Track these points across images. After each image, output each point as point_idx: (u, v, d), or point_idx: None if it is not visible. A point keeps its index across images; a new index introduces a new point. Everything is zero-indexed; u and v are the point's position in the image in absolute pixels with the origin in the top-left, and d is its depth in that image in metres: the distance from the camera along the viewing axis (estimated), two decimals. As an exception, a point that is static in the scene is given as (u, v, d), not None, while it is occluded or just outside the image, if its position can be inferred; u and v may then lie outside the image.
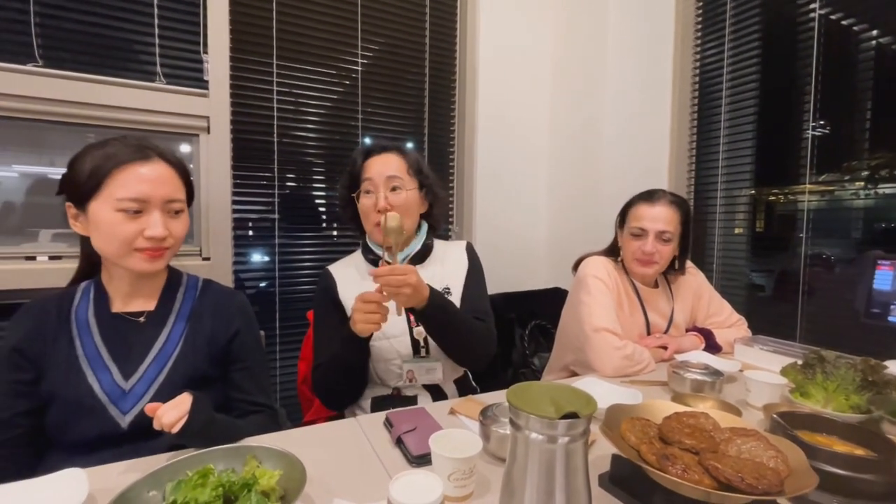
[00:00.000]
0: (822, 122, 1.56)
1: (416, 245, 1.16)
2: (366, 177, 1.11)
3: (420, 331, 1.10)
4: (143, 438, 0.78)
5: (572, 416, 0.41)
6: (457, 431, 0.70)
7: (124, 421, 0.79)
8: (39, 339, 0.82)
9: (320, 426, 0.88)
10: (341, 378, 1.06)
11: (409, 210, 1.12)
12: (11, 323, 0.83)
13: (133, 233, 0.80)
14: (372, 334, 0.98)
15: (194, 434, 0.71)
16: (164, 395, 0.80)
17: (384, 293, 0.93)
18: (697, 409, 0.74)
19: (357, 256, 1.21)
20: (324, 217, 1.96)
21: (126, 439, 0.79)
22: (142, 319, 0.87)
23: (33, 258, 1.42)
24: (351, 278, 1.15)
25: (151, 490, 0.57)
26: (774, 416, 0.72)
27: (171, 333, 0.87)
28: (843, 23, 1.55)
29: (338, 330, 1.04)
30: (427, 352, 1.10)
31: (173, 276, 0.94)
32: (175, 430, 0.68)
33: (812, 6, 1.55)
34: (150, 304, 0.89)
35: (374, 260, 1.15)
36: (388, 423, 0.83)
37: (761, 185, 1.77)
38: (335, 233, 1.97)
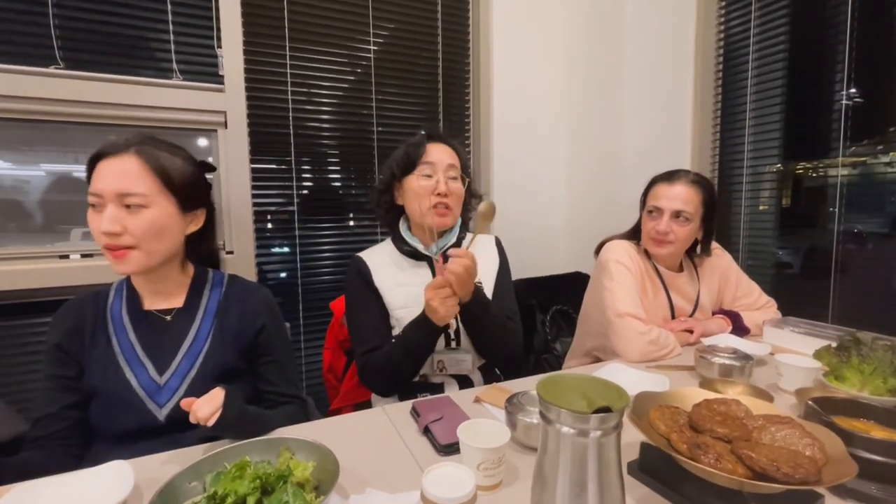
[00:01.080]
0: (854, 91, 1.48)
1: (451, 237, 1.17)
2: (427, 160, 1.11)
3: (452, 322, 1.09)
4: (179, 430, 0.81)
5: (605, 410, 0.41)
6: (484, 421, 0.70)
7: (161, 414, 0.83)
8: (78, 337, 0.86)
9: (348, 416, 0.90)
10: (410, 367, 1.06)
11: (460, 201, 1.16)
12: (53, 322, 0.88)
13: (96, 229, 0.80)
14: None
15: (228, 426, 0.73)
16: (197, 388, 0.84)
17: (449, 278, 0.96)
18: (727, 396, 0.73)
19: (388, 246, 1.20)
20: (343, 206, 1.97)
21: (164, 431, 0.83)
22: (169, 318, 0.89)
23: (66, 256, 1.47)
24: (385, 266, 1.15)
25: (193, 481, 0.59)
26: (809, 401, 0.71)
27: (199, 330, 0.90)
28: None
29: (379, 314, 1.10)
30: (458, 343, 1.12)
31: (200, 274, 0.96)
32: (210, 423, 0.71)
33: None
34: (178, 302, 0.91)
35: (410, 251, 1.15)
36: (415, 413, 0.84)
37: (790, 159, 1.70)
38: (351, 222, 1.98)
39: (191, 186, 0.88)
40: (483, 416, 0.81)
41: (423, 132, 1.19)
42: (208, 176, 0.96)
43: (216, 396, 0.73)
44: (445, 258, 1.11)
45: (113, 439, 0.83)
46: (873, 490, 0.60)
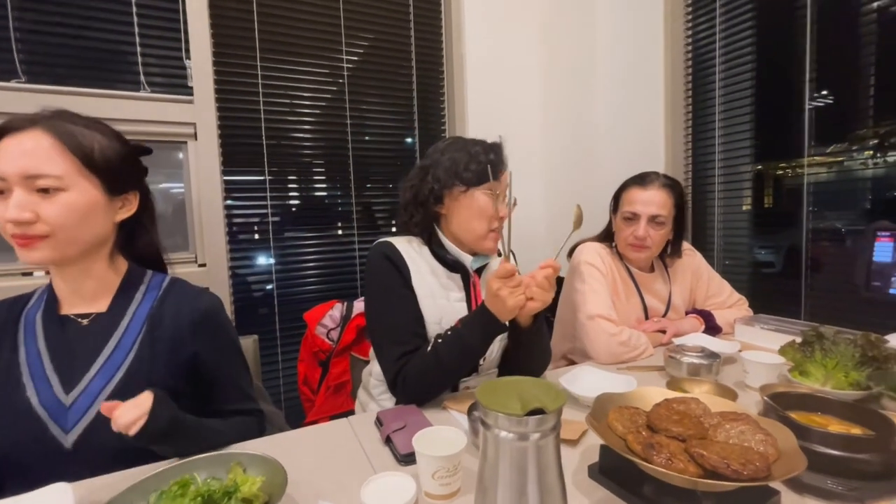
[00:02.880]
0: (823, 93, 1.52)
1: (490, 255, 1.07)
2: (494, 180, 0.98)
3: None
4: (96, 458, 0.70)
5: (538, 412, 0.40)
6: (443, 428, 0.69)
7: (67, 441, 0.69)
8: None
9: (312, 428, 0.88)
10: (458, 372, 0.96)
11: None
12: None
13: (2, 218, 0.68)
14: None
15: (156, 436, 0.65)
16: None
17: (529, 286, 0.86)
18: (690, 395, 0.73)
19: (420, 247, 1.05)
20: (319, 217, 1.96)
21: (75, 461, 0.70)
22: (84, 322, 0.76)
23: (30, 273, 1.43)
24: (422, 271, 1.02)
25: (136, 502, 0.57)
26: (765, 398, 0.71)
27: (122, 339, 0.76)
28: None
29: (417, 314, 0.97)
30: (482, 365, 1.05)
31: (132, 275, 0.82)
32: (132, 431, 0.63)
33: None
34: (101, 306, 0.78)
35: (451, 262, 1.04)
36: (379, 422, 0.83)
37: (760, 160, 1.73)
38: (328, 233, 1.96)
39: (118, 166, 0.75)
40: (449, 424, 0.80)
41: (494, 142, 1.07)
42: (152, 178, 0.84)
43: (143, 401, 0.65)
44: (478, 275, 1.07)
45: (15, 471, 0.70)
46: (829, 484, 0.60)
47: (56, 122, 0.71)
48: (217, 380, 0.83)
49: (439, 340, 0.92)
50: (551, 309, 1.59)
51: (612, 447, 0.59)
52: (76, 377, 0.73)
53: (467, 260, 1.03)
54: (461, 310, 1.02)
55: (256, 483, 0.57)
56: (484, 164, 0.98)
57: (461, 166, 0.99)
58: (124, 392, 0.71)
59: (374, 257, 1.01)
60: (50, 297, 0.77)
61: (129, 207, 0.79)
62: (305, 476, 0.69)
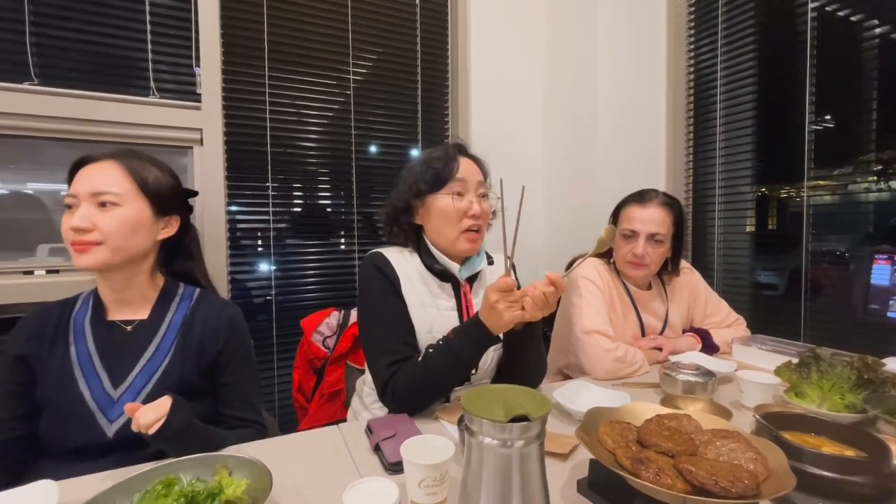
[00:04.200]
0: (825, 118, 1.53)
1: (479, 262, 1.08)
2: (459, 177, 1.00)
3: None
4: (128, 449, 0.78)
5: (522, 419, 0.40)
6: (432, 438, 0.68)
7: (110, 430, 0.79)
8: (38, 344, 0.83)
9: (302, 434, 0.87)
10: (448, 383, 0.95)
11: (488, 221, 1.06)
12: (16, 328, 0.86)
13: (66, 228, 0.81)
14: None
15: (171, 437, 0.71)
16: None
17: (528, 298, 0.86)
18: (682, 412, 0.72)
19: (411, 257, 1.06)
20: (320, 226, 1.97)
21: (112, 449, 0.79)
22: (129, 329, 0.87)
23: (31, 272, 1.44)
24: (412, 280, 1.02)
25: (120, 501, 0.57)
26: (757, 416, 0.70)
27: (161, 343, 0.87)
28: (840, 14, 1.53)
29: (408, 323, 0.97)
30: (475, 375, 1.05)
31: (169, 287, 0.94)
32: (152, 431, 0.69)
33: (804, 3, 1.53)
34: (142, 314, 0.89)
35: (440, 271, 1.04)
36: (369, 430, 0.82)
37: (761, 183, 1.74)
38: (338, 240, 1.98)
39: (165, 193, 0.89)
40: (440, 434, 0.79)
41: (450, 143, 1.07)
42: (190, 201, 0.99)
43: (162, 404, 0.72)
44: (470, 284, 1.07)
45: (59, 455, 0.79)
46: (819, 506, 0.59)
47: (125, 156, 0.87)
48: (227, 383, 0.91)
49: (430, 351, 0.92)
50: (549, 323, 1.59)
51: (601, 461, 0.58)
52: (123, 375, 0.83)
53: (455, 269, 1.04)
54: (452, 319, 1.02)
55: (241, 486, 0.57)
56: (439, 167, 1.01)
57: (419, 175, 1.02)
58: (161, 389, 0.82)
59: (365, 267, 1.03)
60: (96, 304, 0.88)
61: (169, 229, 0.91)
62: (292, 481, 0.68)
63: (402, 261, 1.04)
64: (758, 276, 1.75)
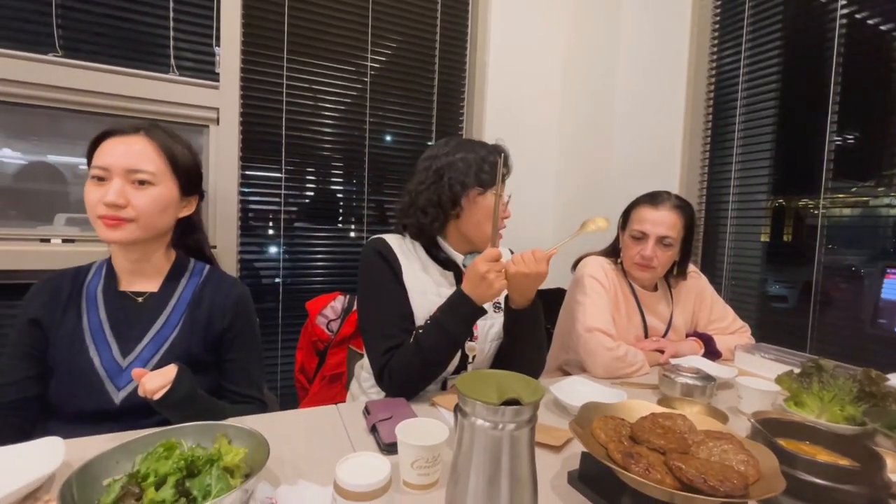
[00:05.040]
0: (848, 130, 1.49)
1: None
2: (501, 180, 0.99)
3: (472, 346, 1.05)
4: (134, 416, 0.80)
5: (514, 402, 0.41)
6: (428, 421, 0.70)
7: (118, 397, 0.82)
8: (52, 310, 0.86)
9: (300, 411, 0.89)
10: (442, 361, 0.95)
11: None
12: (30, 293, 0.88)
13: (96, 199, 0.82)
14: None
15: (175, 405, 0.73)
16: None
17: (516, 263, 0.92)
18: (677, 412, 0.72)
19: (414, 246, 1.08)
20: (330, 212, 1.99)
21: (119, 416, 0.81)
22: (141, 300, 0.89)
23: (47, 240, 1.47)
24: (414, 268, 1.04)
25: (120, 460, 0.59)
26: (753, 421, 0.70)
27: (170, 316, 0.89)
28: (870, 22, 1.49)
29: (406, 309, 0.99)
30: (472, 364, 1.07)
31: (180, 261, 0.95)
32: (157, 396, 0.71)
33: (833, 6, 1.49)
34: (153, 286, 0.91)
35: (443, 260, 1.06)
36: (367, 411, 0.84)
37: (776, 193, 1.71)
38: (347, 227, 1.99)
39: (192, 171, 0.91)
40: (437, 420, 0.80)
41: (493, 144, 1.08)
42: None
43: (168, 372, 0.74)
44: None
45: (67, 419, 0.82)
46: (809, 512, 0.59)
47: (154, 132, 0.88)
48: (232, 359, 0.93)
49: (420, 331, 0.94)
50: (551, 319, 1.59)
51: (593, 453, 0.59)
52: (132, 345, 0.85)
53: (458, 258, 1.05)
54: None
55: (239, 454, 0.58)
56: (494, 165, 1.00)
57: (475, 168, 1.01)
58: (168, 360, 0.82)
59: (366, 253, 1.04)
60: (109, 273, 0.90)
61: (189, 208, 0.94)
62: (289, 455, 0.70)
63: (405, 247, 1.06)
64: (767, 288, 1.74)
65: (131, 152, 0.84)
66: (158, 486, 0.52)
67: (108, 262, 0.92)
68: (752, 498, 0.51)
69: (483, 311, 0.92)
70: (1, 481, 0.54)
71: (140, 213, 0.84)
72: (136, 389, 0.77)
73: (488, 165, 1.02)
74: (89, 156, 0.85)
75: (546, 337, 1.07)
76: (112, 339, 0.85)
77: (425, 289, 1.03)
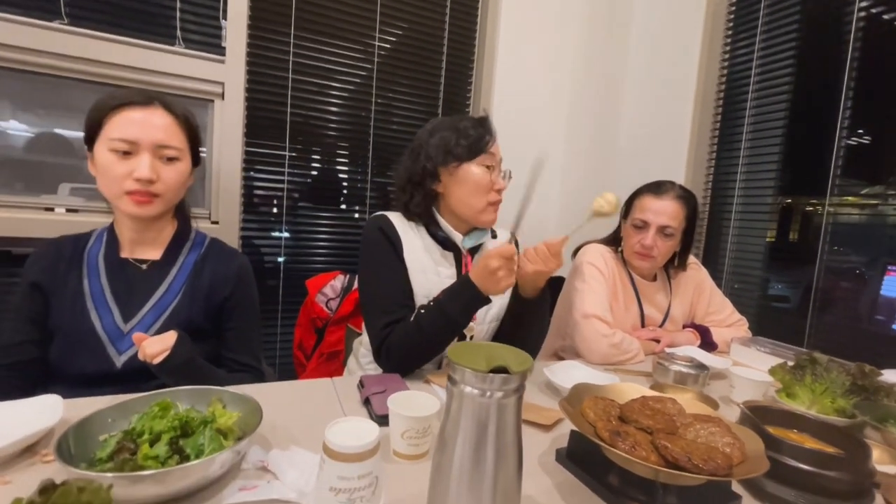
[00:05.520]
0: (859, 132, 1.47)
1: (485, 234, 1.10)
2: (491, 151, 1.02)
3: (470, 326, 1.03)
4: (135, 380, 0.82)
5: (502, 370, 0.42)
6: (420, 394, 0.71)
7: (119, 361, 0.83)
8: (53, 274, 0.86)
9: (296, 382, 0.91)
10: (440, 343, 0.95)
11: None
12: (31, 258, 0.89)
13: (122, 173, 0.81)
14: None
15: (173, 370, 0.75)
16: None
17: (531, 261, 0.94)
18: (668, 396, 0.73)
19: (416, 225, 1.08)
20: (332, 193, 1.99)
21: (119, 379, 0.83)
22: (144, 267, 0.90)
23: (51, 209, 1.48)
24: (415, 247, 1.04)
25: (116, 419, 0.60)
26: (743, 407, 0.71)
27: (171, 284, 0.90)
28: (886, 16, 1.46)
29: (406, 286, 0.99)
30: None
31: (182, 230, 0.96)
32: (156, 361, 0.73)
33: (851, 5, 1.46)
34: (156, 254, 0.92)
35: (443, 239, 1.06)
36: (361, 385, 0.85)
37: (782, 192, 1.70)
38: (350, 209, 1.99)
39: (200, 144, 0.93)
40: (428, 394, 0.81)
41: (479, 116, 1.07)
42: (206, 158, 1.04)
43: (168, 338, 0.76)
44: (472, 255, 1.10)
45: (69, 381, 0.83)
46: (791, 496, 0.60)
47: (172, 104, 0.87)
48: (231, 328, 0.95)
49: (422, 311, 0.94)
50: (549, 307, 1.60)
51: (581, 431, 0.60)
52: (134, 311, 0.87)
53: (458, 238, 1.06)
54: None
55: (232, 417, 0.60)
56: (474, 136, 1.01)
57: (452, 142, 1.01)
58: (169, 327, 0.83)
59: (368, 229, 1.05)
60: (110, 240, 0.91)
61: (191, 179, 0.94)
62: (281, 422, 0.71)
63: (406, 226, 1.06)
64: (766, 285, 1.73)
65: (157, 126, 0.84)
66: (153, 443, 0.53)
67: (110, 229, 0.92)
68: (735, 477, 0.51)
69: (487, 301, 0.92)
70: (1, 433, 0.55)
71: (168, 189, 0.85)
72: (137, 353, 0.79)
73: (465, 138, 1.01)
74: (97, 124, 0.83)
75: (546, 326, 1.09)
76: (114, 305, 0.86)
77: (425, 268, 1.03)
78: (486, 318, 1.08)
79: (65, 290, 0.85)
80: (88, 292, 0.85)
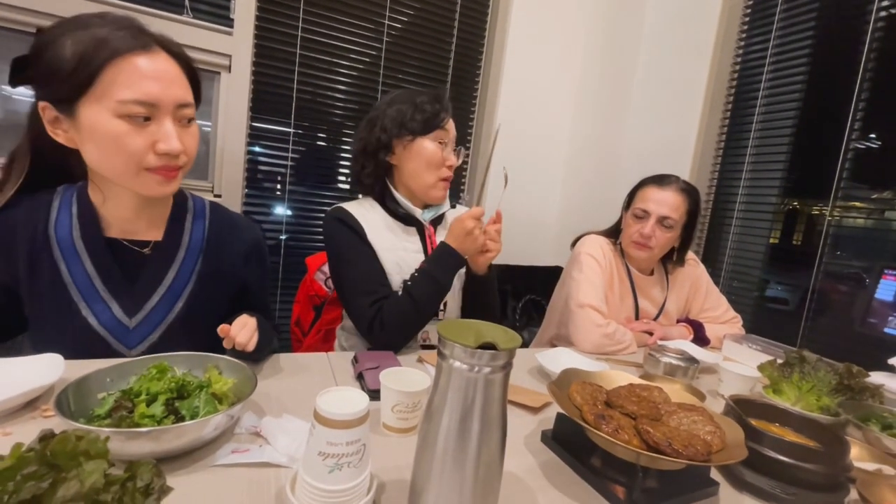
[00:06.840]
0: (870, 136, 1.46)
1: (445, 206, 1.15)
2: (446, 128, 1.05)
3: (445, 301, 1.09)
4: None
5: (490, 346, 0.43)
6: (412, 371, 0.72)
7: (131, 356, 0.74)
8: (11, 267, 0.70)
9: (291, 355, 0.92)
10: (431, 308, 0.98)
11: None
12: None
13: (143, 147, 0.64)
14: None
15: (262, 347, 0.75)
16: (178, 333, 0.77)
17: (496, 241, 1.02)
18: (655, 384, 0.74)
19: (374, 206, 1.10)
20: (335, 172, 1.98)
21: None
22: (147, 251, 0.76)
23: None
24: (377, 227, 1.06)
25: (118, 381, 0.61)
26: (727, 398, 0.72)
27: (181, 267, 0.78)
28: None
29: (380, 266, 1.02)
30: (444, 315, 1.12)
31: (180, 201, 0.81)
32: (250, 347, 0.71)
33: (871, 6, 1.44)
34: (155, 233, 0.77)
35: (403, 216, 1.09)
36: (355, 360, 0.86)
37: (787, 194, 1.69)
38: (354, 190, 1.99)
39: (200, 97, 0.74)
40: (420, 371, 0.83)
41: (437, 92, 1.08)
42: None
43: (247, 320, 0.74)
44: (434, 227, 1.14)
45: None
46: (768, 486, 0.61)
47: (174, 46, 0.68)
48: (252, 302, 0.91)
49: (409, 283, 0.98)
50: (548, 297, 1.61)
51: (567, 413, 0.61)
52: (139, 302, 0.75)
53: (418, 213, 1.08)
54: (420, 259, 1.06)
55: (227, 384, 0.61)
56: (429, 112, 1.02)
57: (408, 116, 1.02)
58: (186, 320, 0.77)
59: (328, 224, 1.06)
60: (84, 215, 0.72)
61: None
62: (275, 391, 0.73)
63: (363, 211, 1.07)
64: (764, 285, 1.74)
65: (170, 79, 0.65)
66: (149, 403, 0.55)
67: (80, 202, 0.73)
68: (714, 464, 0.53)
69: (464, 262, 1.00)
70: (3, 388, 0.56)
71: (190, 159, 0.70)
72: (150, 347, 0.75)
73: (421, 113, 1.02)
74: (88, 78, 0.61)
75: (499, 302, 1.17)
76: (109, 297, 0.73)
77: (393, 245, 1.06)
78: (455, 288, 1.13)
79: (36, 282, 0.70)
80: (70, 282, 0.71)
